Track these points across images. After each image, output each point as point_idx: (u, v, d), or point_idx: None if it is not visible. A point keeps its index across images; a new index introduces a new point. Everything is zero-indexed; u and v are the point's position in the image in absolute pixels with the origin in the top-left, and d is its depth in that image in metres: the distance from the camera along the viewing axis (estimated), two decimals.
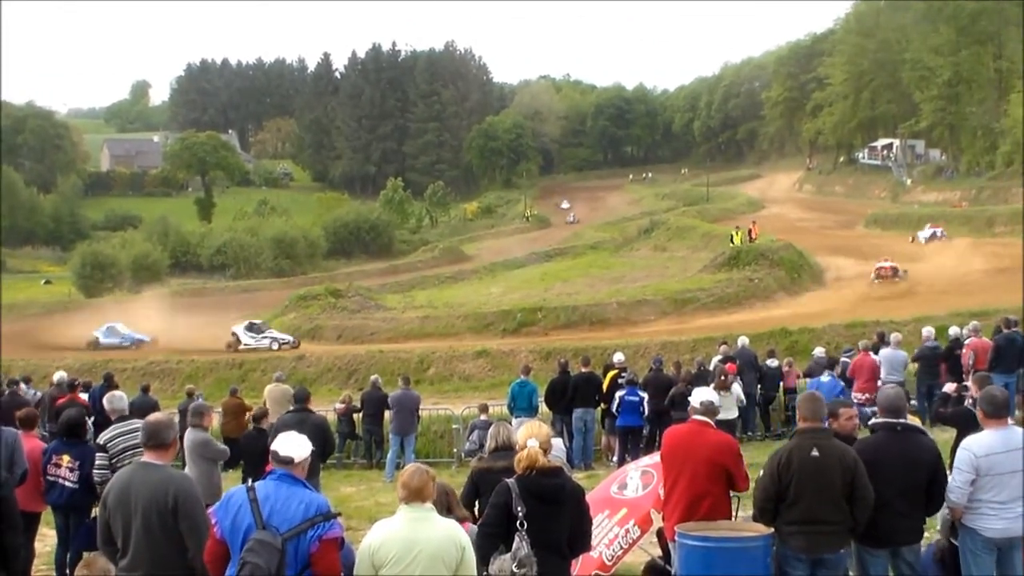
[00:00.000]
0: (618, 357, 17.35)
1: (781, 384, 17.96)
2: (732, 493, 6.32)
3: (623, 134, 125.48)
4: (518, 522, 5.00)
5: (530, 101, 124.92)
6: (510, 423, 9.15)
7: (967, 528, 5.83)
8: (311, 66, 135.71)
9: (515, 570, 4.90)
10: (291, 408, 10.78)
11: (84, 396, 15.45)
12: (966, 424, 7.12)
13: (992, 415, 5.92)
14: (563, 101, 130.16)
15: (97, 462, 7.79)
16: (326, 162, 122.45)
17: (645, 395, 15.22)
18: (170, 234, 74.48)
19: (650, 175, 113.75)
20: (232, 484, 7.62)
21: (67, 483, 7.92)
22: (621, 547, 7.08)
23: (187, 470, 8.66)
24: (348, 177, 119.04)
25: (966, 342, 15.14)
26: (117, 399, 8.91)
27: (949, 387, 10.59)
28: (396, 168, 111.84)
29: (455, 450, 17.42)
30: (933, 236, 48.26)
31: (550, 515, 5.09)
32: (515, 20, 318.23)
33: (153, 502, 5.04)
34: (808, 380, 15.86)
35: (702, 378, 14.52)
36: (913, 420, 6.58)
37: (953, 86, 67.92)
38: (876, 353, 15.71)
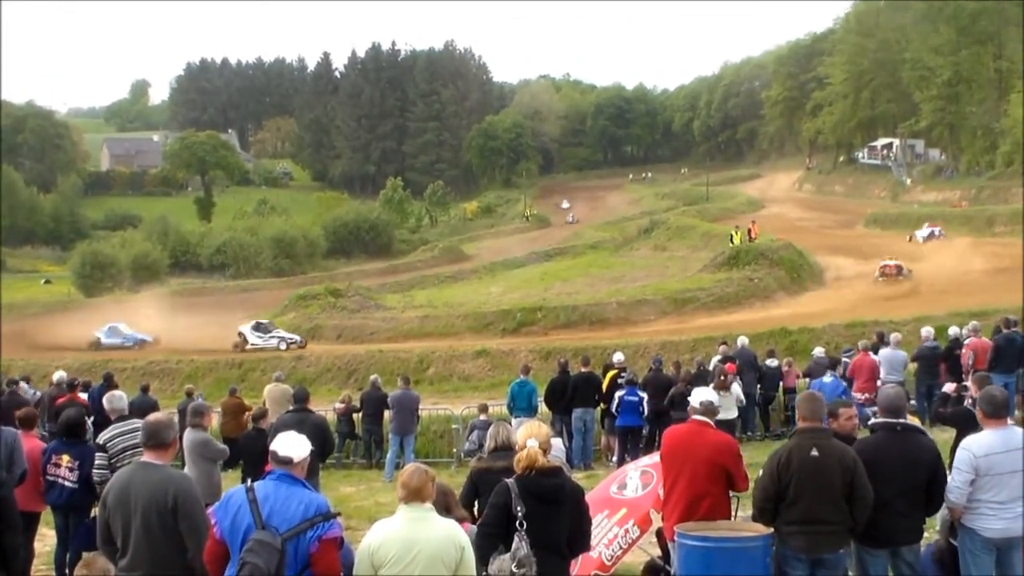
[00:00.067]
0: (618, 357, 17.35)
1: (781, 384, 17.97)
2: (732, 493, 6.32)
3: (623, 134, 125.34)
4: (517, 522, 4.99)
5: (530, 101, 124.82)
6: (510, 423, 9.17)
7: (966, 528, 5.83)
8: (311, 65, 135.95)
9: (514, 570, 4.90)
10: (290, 408, 10.78)
11: (84, 396, 15.43)
12: (966, 424, 7.11)
13: (992, 415, 5.92)
14: (563, 101, 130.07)
15: (97, 462, 7.79)
16: (326, 161, 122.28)
17: (645, 395, 15.21)
18: (170, 234, 74.35)
19: (650, 175, 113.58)
20: (231, 484, 7.60)
21: (67, 483, 7.91)
22: (620, 547, 7.08)
23: (187, 470, 8.64)
24: (348, 177, 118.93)
25: (966, 342, 15.13)
26: (117, 399, 8.90)
27: (949, 387, 10.58)
28: (396, 168, 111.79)
29: (454, 450, 17.42)
30: (931, 235, 48.28)
31: (549, 515, 5.09)
32: (515, 20, 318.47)
33: (153, 502, 5.04)
34: (810, 380, 15.84)
35: (702, 378, 14.53)
36: (913, 420, 6.58)
37: (953, 86, 67.88)
38: (876, 353, 15.73)
